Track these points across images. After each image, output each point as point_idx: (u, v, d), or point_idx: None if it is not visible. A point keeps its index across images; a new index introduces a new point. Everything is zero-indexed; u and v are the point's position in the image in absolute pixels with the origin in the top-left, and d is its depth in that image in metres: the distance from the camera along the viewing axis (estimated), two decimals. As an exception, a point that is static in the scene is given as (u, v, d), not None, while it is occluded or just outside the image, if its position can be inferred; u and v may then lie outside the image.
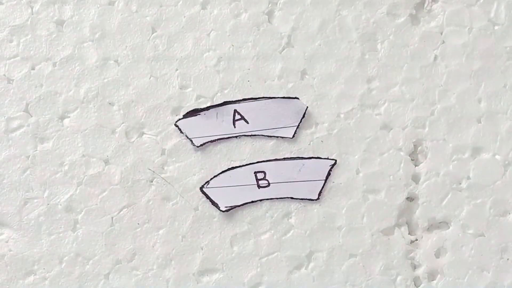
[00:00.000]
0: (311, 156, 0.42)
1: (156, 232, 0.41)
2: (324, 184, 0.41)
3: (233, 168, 0.41)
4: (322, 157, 0.42)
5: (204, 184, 0.41)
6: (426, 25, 0.44)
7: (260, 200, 0.41)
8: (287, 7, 0.43)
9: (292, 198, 0.41)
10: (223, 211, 0.41)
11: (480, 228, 0.42)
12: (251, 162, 0.41)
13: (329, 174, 0.41)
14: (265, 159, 0.41)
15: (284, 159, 0.41)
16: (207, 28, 0.43)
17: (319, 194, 0.41)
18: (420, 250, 0.42)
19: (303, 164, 0.41)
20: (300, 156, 0.41)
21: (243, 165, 0.41)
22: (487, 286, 0.42)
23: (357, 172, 0.42)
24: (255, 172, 0.41)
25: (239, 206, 0.41)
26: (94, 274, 0.40)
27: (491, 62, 0.43)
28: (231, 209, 0.41)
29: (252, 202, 0.41)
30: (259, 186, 0.41)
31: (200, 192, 0.41)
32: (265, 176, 0.41)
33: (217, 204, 0.41)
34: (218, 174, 0.41)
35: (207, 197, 0.41)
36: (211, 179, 0.41)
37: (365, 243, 0.42)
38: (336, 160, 0.42)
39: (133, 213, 0.41)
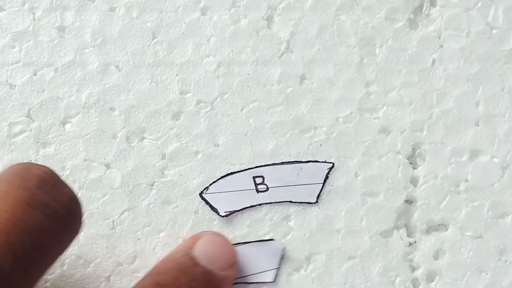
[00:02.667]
0: (309, 160, 0.42)
1: (156, 235, 0.41)
2: (322, 187, 0.42)
3: (232, 173, 0.42)
4: (321, 160, 0.42)
5: (204, 190, 0.41)
6: (424, 29, 0.44)
7: (259, 205, 0.41)
8: (286, 12, 0.43)
9: (291, 201, 0.41)
10: (222, 216, 0.41)
11: (478, 230, 0.42)
12: (249, 167, 0.42)
13: (327, 177, 0.42)
14: (263, 164, 0.42)
15: (282, 163, 0.42)
16: (207, 33, 0.43)
17: (318, 197, 0.42)
18: (419, 252, 0.42)
19: (301, 168, 0.42)
20: (299, 160, 0.42)
21: (241, 170, 0.42)
22: (486, 288, 0.42)
23: (355, 175, 0.42)
24: (254, 177, 0.41)
25: (238, 211, 0.41)
26: (96, 277, 0.41)
27: (489, 65, 0.44)
28: (230, 214, 0.41)
29: (252, 206, 0.41)
30: (258, 191, 0.41)
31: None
32: (263, 180, 0.41)
33: (217, 210, 0.41)
34: (217, 179, 0.41)
35: (207, 202, 0.41)
36: (210, 184, 0.41)
37: (364, 245, 0.42)
38: (333, 163, 0.42)
39: (134, 216, 0.41)
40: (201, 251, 0.37)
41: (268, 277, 0.41)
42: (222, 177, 0.41)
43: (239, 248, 0.41)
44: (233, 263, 0.38)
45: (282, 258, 0.41)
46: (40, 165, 0.32)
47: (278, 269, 0.41)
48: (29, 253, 0.29)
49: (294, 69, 0.43)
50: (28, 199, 0.29)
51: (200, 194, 0.41)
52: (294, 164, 0.42)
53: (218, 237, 0.39)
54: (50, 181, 0.31)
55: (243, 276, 0.41)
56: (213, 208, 0.41)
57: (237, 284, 0.41)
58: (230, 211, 0.41)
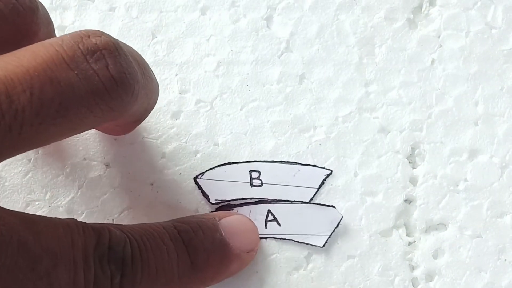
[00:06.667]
0: (309, 160, 0.42)
1: (156, 234, 0.41)
2: (316, 192, 0.42)
3: (229, 163, 0.42)
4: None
5: (199, 175, 0.41)
6: (424, 29, 0.44)
7: (251, 199, 0.41)
8: (286, 12, 0.43)
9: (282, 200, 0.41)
10: (212, 204, 0.41)
11: (478, 230, 0.42)
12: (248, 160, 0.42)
13: (323, 183, 0.42)
14: (262, 160, 0.42)
15: (281, 162, 0.42)
16: (207, 33, 0.43)
17: (311, 200, 0.41)
18: (418, 251, 0.42)
19: (299, 170, 0.42)
20: (298, 160, 0.42)
21: (239, 162, 0.42)
22: (485, 287, 0.42)
23: (355, 174, 0.42)
24: (250, 171, 0.41)
25: (229, 201, 0.41)
26: (95, 275, 0.41)
27: (488, 65, 0.44)
28: (220, 203, 0.41)
29: (243, 199, 0.41)
30: (252, 185, 0.41)
31: (200, 195, 0.41)
32: (259, 175, 0.41)
33: (208, 196, 0.41)
34: (214, 167, 0.42)
35: (199, 187, 0.41)
36: (206, 171, 0.41)
37: (363, 244, 0.42)
38: (331, 171, 0.42)
39: (134, 215, 0.41)
40: (227, 224, 0.37)
41: (319, 241, 0.41)
42: (219, 165, 0.42)
43: (298, 205, 0.42)
44: (252, 250, 0.39)
45: (337, 227, 0.42)
46: (105, 36, 0.31)
47: (330, 236, 0.41)
48: (48, 104, 0.27)
49: (294, 69, 0.43)
50: (67, 58, 0.29)
51: (195, 179, 0.41)
52: (293, 165, 0.42)
53: (249, 221, 0.40)
54: (104, 52, 0.30)
55: (295, 234, 0.41)
56: (204, 194, 0.41)
57: (286, 240, 0.41)
58: (220, 200, 0.41)
